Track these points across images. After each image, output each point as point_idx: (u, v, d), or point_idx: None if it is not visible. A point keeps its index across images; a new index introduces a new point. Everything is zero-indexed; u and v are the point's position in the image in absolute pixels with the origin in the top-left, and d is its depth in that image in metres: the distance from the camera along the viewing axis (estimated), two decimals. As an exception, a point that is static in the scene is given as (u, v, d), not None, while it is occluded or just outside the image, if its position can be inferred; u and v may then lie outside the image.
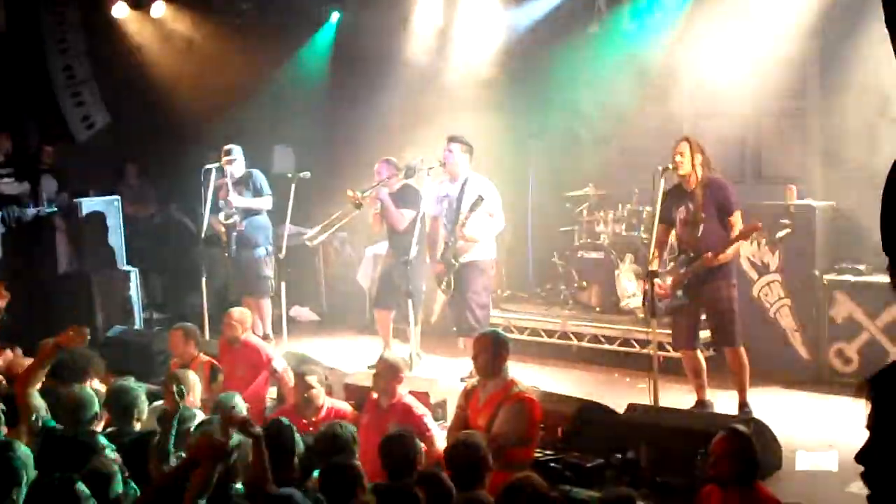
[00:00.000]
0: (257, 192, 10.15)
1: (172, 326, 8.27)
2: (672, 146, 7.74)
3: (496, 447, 5.60)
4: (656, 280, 7.57)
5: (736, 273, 7.93)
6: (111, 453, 5.27)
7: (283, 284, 9.46)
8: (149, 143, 12.67)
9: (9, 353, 7.83)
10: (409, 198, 9.19)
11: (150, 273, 12.23)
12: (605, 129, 10.81)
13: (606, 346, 9.60)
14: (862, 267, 8.56)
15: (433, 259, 9.06)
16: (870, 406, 2.36)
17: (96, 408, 5.74)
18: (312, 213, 11.14)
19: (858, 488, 2.41)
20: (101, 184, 12.12)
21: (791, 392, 8.45)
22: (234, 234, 10.07)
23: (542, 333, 10.04)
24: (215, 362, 7.88)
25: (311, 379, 6.67)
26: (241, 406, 6.01)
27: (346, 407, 6.98)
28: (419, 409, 6.55)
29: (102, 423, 5.94)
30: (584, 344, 9.76)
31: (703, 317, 7.89)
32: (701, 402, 7.81)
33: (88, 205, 11.15)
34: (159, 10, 12.17)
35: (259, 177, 10.24)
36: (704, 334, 8.03)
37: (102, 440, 5.48)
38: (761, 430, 6.62)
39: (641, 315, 9.12)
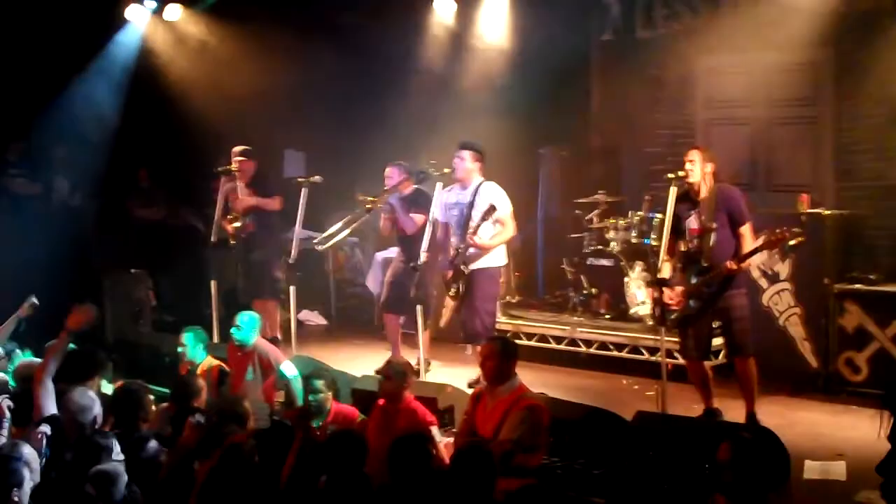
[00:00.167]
0: (268, 195, 10.16)
1: (182, 329, 8.28)
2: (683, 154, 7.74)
3: (503, 453, 5.59)
4: (665, 288, 7.55)
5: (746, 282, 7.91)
6: (117, 454, 5.27)
7: (292, 288, 9.47)
8: (160, 146, 12.70)
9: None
10: (420, 202, 9.18)
11: (160, 275, 12.25)
12: (616, 137, 10.78)
13: (615, 353, 9.56)
14: (873, 276, 8.51)
15: (443, 265, 9.05)
16: (892, 418, 2.34)
17: (96, 410, 5.72)
18: (323, 217, 11.15)
19: (867, 498, 2.39)
20: (112, 186, 12.14)
21: (800, 401, 8.41)
22: (244, 236, 10.09)
23: (551, 340, 10.00)
24: (224, 365, 7.88)
25: (319, 383, 6.67)
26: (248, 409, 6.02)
27: (353, 411, 6.98)
28: (426, 416, 6.53)
29: (109, 425, 5.94)
30: (593, 351, 9.73)
31: (715, 326, 7.86)
32: (709, 411, 7.78)
33: (99, 206, 11.18)
34: (174, 13, 12.20)
35: (269, 179, 10.23)
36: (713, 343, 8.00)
37: (110, 441, 5.47)
38: (769, 438, 6.58)
39: (651, 322, 9.11)
